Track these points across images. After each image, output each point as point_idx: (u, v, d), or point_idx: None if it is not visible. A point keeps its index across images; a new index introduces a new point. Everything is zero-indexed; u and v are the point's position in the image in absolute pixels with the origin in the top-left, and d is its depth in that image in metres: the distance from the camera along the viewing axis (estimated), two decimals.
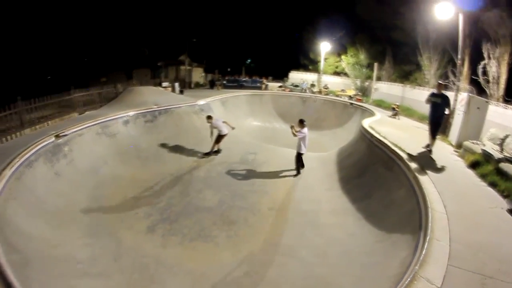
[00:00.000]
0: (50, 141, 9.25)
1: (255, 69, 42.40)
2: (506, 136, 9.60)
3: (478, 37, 15.57)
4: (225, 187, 10.20)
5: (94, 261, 6.35)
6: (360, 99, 23.36)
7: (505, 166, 7.72)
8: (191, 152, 13.27)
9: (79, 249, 6.63)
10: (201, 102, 18.06)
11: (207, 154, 12.93)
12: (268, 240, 7.40)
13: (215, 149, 13.08)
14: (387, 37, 25.63)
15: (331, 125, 20.13)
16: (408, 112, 18.65)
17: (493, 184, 7.29)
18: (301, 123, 10.81)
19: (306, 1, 39.64)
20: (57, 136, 9.65)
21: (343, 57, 29.59)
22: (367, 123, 13.26)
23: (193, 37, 30.37)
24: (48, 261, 5.88)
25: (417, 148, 9.66)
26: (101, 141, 11.72)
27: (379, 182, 8.78)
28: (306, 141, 10.94)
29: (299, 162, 11.30)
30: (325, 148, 15.22)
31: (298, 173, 11.21)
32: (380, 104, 22.18)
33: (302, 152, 11.01)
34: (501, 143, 9.62)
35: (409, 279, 4.15)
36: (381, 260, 5.72)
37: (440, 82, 9.57)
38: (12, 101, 10.78)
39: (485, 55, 14.84)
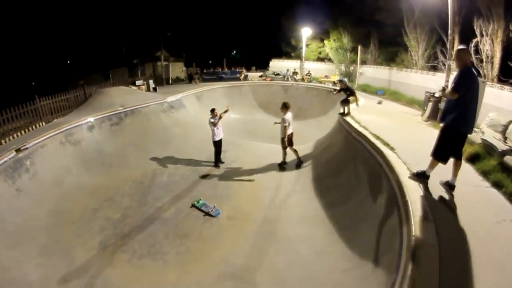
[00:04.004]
0: (11, 156, 8.77)
1: (241, 60, 41.27)
2: (510, 122, 8.05)
3: (469, 14, 14.35)
4: (186, 193, 9.56)
5: (44, 284, 5.99)
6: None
7: (511, 160, 6.24)
8: (157, 154, 12.56)
9: (32, 270, 6.29)
10: (171, 98, 17.04)
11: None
12: (221, 259, 6.62)
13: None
14: (371, 19, 24.38)
15: (315, 113, 19.22)
16: (395, 96, 17.59)
17: (497, 185, 5.72)
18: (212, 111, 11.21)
19: None
20: (18, 150, 9.14)
21: (325, 41, 28.41)
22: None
23: (169, 31, 29.00)
24: None
25: (403, 138, 8.49)
26: (65, 151, 11.13)
27: (357, 185, 7.60)
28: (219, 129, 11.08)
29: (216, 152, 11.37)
30: (308, 139, 14.14)
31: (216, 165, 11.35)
32: (365, 89, 21.26)
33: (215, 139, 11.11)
34: (504, 130, 8.08)
35: None
36: None
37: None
38: None
39: (477, 33, 13.58)
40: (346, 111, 11.69)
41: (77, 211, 8.67)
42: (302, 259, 6.16)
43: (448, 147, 5.12)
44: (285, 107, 10.40)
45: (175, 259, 6.71)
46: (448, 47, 12.55)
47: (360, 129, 9.06)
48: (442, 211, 4.81)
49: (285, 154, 10.72)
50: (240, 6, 45.76)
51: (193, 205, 8.57)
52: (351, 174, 8.14)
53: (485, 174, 6.15)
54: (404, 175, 5.89)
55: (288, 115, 10.32)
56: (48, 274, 6.24)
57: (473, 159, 6.86)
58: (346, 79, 11.42)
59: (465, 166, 6.34)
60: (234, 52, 50.06)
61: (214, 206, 8.38)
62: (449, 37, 12.03)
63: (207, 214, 8.17)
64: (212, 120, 10.76)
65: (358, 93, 18.46)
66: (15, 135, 10.93)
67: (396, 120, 11.29)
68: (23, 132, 11.48)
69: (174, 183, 10.25)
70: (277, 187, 9.30)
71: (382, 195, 6.29)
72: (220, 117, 10.81)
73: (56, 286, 5.97)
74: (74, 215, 8.49)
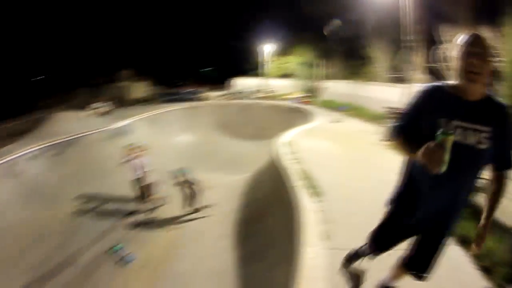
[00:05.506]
0: None
1: (215, 77, 40.96)
2: None
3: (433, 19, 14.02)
4: (110, 233, 9.09)
5: None
6: (308, 101, 22.18)
7: None
8: (94, 187, 11.83)
9: None
10: (120, 124, 16.41)
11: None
12: None
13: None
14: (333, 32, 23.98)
15: (274, 134, 18.43)
16: (358, 112, 17.05)
17: None
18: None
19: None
20: None
21: (289, 57, 28.35)
22: (290, 135, 11.47)
23: (134, 50, 28.48)
24: None
25: (345, 172, 7.23)
26: (2, 185, 10.52)
27: (273, 238, 6.33)
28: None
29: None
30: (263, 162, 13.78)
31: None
32: (327, 105, 20.83)
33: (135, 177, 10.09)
34: None
35: None
36: None
37: None
38: None
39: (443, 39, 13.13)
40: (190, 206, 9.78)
41: (7, 250, 8.26)
42: None
43: None
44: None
45: None
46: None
47: (286, 164, 7.58)
48: None
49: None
50: (204, 21, 44.95)
51: (110, 250, 8.06)
52: (273, 221, 6.96)
53: None
54: (311, 246, 3.97)
55: (146, 159, 10.14)
56: None
57: None
58: (185, 170, 9.91)
59: None
60: (207, 69, 49.45)
61: (129, 253, 7.88)
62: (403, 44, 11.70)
63: (120, 260, 7.74)
64: (123, 160, 10.12)
65: (318, 110, 18.19)
66: None
67: (348, 144, 10.23)
68: None
69: (102, 221, 9.76)
70: (198, 232, 8.69)
71: (285, 265, 4.50)
72: (130, 156, 10.10)
73: None
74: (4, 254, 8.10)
